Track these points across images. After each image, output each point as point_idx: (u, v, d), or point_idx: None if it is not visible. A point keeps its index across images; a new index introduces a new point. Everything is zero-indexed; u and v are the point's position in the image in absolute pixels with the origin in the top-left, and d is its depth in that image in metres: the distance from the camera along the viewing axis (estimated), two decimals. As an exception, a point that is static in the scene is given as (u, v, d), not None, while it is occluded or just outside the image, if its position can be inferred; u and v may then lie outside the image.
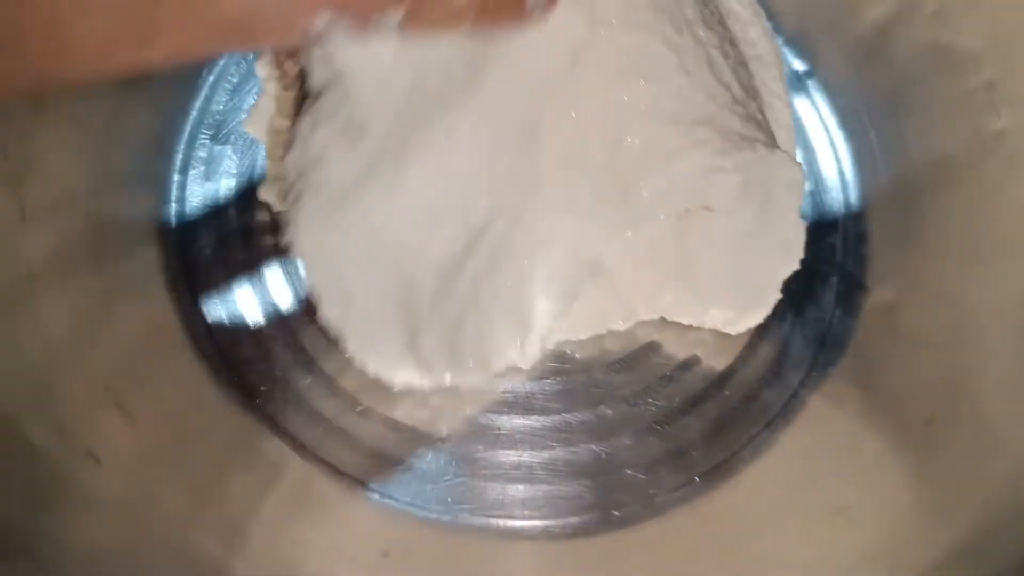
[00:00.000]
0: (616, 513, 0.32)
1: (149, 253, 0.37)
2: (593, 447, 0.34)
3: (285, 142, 0.34)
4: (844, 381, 0.35)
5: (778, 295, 0.35)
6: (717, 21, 0.36)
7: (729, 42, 0.36)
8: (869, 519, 0.30)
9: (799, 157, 0.38)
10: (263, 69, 0.37)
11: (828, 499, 0.31)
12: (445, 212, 0.32)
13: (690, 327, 0.36)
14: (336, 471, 0.33)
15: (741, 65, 0.36)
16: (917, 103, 0.37)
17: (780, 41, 0.41)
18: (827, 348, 0.36)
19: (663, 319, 0.36)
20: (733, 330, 0.35)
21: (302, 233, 0.31)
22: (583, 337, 0.35)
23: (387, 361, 0.33)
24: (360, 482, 0.33)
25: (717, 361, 0.35)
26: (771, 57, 0.39)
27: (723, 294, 0.34)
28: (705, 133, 0.32)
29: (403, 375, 0.34)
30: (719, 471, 0.33)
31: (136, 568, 0.28)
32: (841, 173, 0.40)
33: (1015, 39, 0.34)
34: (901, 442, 0.32)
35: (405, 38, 0.28)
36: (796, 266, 0.34)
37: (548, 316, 0.33)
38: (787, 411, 0.34)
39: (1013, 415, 0.29)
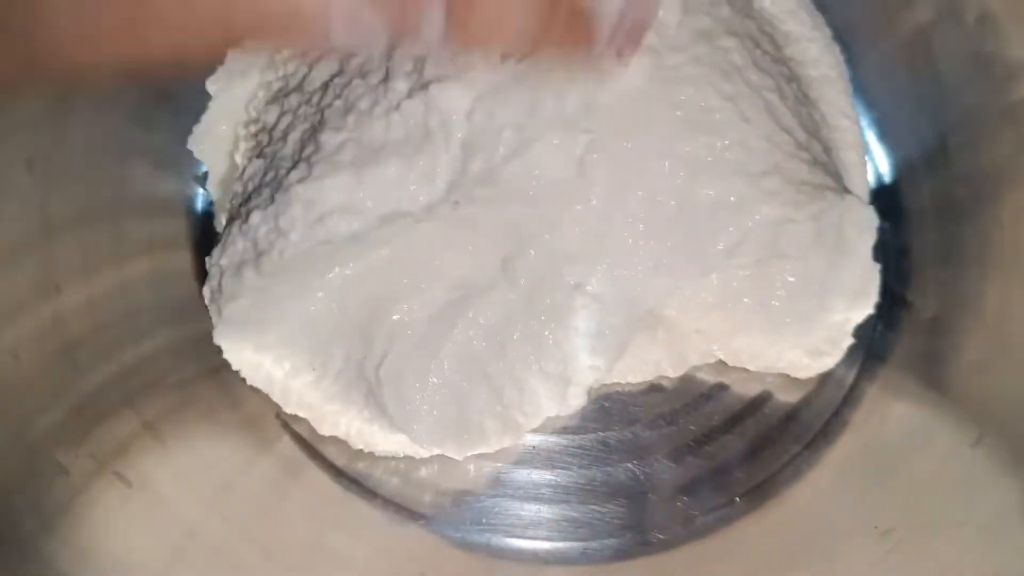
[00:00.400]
0: (657, 535, 0.32)
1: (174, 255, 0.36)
2: (630, 466, 0.34)
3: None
4: (887, 398, 0.34)
5: (850, 339, 0.34)
6: (771, 57, 0.36)
7: (786, 79, 0.36)
8: (915, 542, 0.29)
9: (866, 173, 0.38)
10: (213, 84, 0.37)
11: (874, 520, 0.31)
12: (443, 276, 0.32)
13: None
14: (372, 493, 0.33)
15: (802, 100, 0.36)
16: (960, 114, 0.36)
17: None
18: (869, 364, 0.35)
19: (722, 363, 0.35)
20: (804, 375, 0.34)
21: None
22: (632, 381, 0.35)
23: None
24: (396, 504, 0.33)
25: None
26: (835, 72, 0.38)
27: (796, 339, 0.34)
28: (774, 183, 0.32)
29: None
30: (760, 491, 0.33)
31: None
32: (881, 184, 0.39)
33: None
34: (947, 462, 0.31)
35: (450, 51, 0.27)
36: (870, 310, 0.34)
37: (595, 372, 0.33)
38: (828, 429, 0.34)
39: None
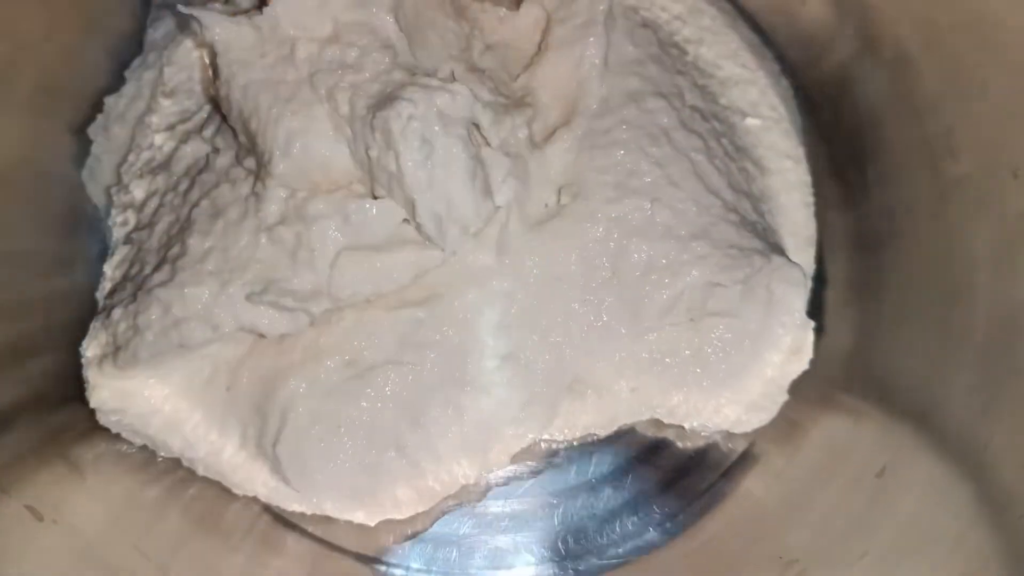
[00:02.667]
0: (573, 567, 0.33)
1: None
2: (550, 500, 0.35)
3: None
4: (799, 430, 0.36)
5: (786, 395, 0.35)
6: (700, 114, 0.37)
7: (716, 135, 0.37)
8: (817, 573, 0.31)
9: (811, 213, 0.39)
10: (95, 133, 0.37)
11: (780, 551, 0.32)
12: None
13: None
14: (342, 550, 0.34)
15: (732, 155, 0.37)
16: (878, 149, 0.37)
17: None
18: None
19: (659, 421, 0.36)
20: (740, 429, 0.35)
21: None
22: (558, 439, 0.36)
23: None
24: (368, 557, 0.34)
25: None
26: (776, 113, 0.39)
27: (733, 394, 0.35)
28: (703, 247, 0.33)
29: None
30: (675, 522, 0.34)
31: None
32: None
33: (973, 83, 0.34)
34: (853, 494, 0.33)
35: None
36: (805, 366, 0.35)
37: (521, 440, 0.34)
38: (741, 462, 0.35)
39: (973, 464, 0.30)
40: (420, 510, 0.34)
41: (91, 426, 0.34)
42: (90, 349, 0.33)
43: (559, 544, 0.34)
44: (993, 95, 0.32)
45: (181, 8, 0.32)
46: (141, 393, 0.33)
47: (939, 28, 0.33)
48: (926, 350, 0.33)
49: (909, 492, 0.31)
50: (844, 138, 0.39)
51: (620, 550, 0.34)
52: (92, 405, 0.33)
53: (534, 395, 0.33)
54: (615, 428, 0.35)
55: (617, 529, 0.34)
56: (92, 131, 0.37)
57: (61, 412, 0.33)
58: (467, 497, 0.34)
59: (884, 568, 0.30)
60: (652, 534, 0.34)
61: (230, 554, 0.33)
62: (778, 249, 0.36)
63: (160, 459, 0.34)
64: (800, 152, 0.39)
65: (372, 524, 0.33)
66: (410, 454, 0.33)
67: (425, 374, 0.33)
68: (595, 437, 0.35)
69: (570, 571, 0.34)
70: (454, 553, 0.34)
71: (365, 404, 0.32)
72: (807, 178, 0.39)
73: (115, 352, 0.32)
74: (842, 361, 0.37)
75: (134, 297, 0.32)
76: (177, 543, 0.33)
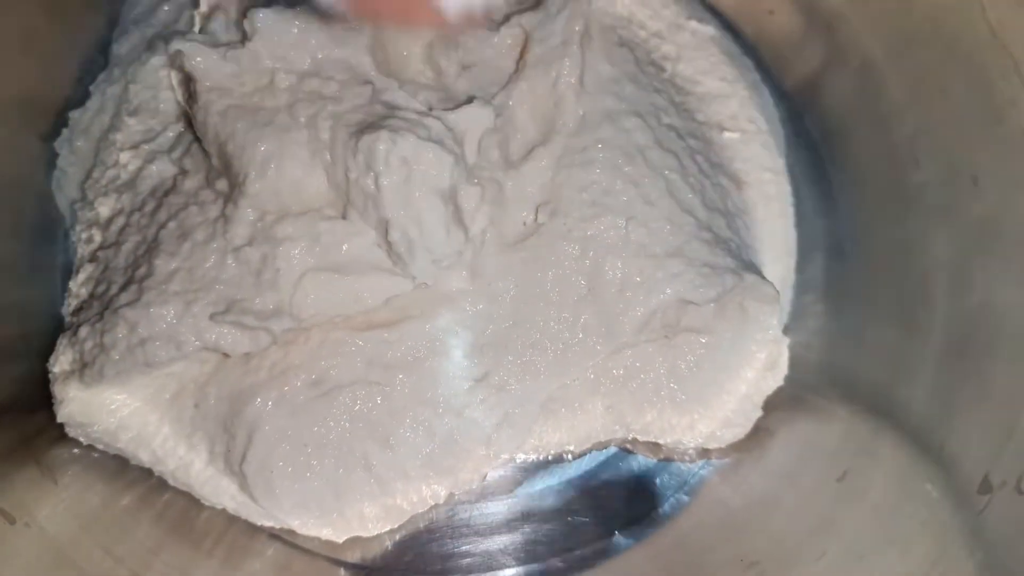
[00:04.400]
0: (541, 570, 0.34)
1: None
2: (518, 503, 0.36)
3: None
4: (764, 434, 0.36)
5: (759, 412, 0.36)
6: (676, 132, 0.37)
7: (691, 153, 0.37)
8: (777, 573, 0.32)
9: (791, 223, 0.39)
10: (60, 146, 0.38)
11: (743, 553, 0.33)
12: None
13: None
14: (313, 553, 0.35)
15: (707, 172, 0.38)
16: (846, 156, 0.38)
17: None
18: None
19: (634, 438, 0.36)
20: (714, 445, 0.36)
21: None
22: (533, 456, 0.36)
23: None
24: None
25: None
26: (754, 126, 0.40)
27: (707, 410, 0.35)
28: (677, 265, 0.34)
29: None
30: (641, 525, 0.35)
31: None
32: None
33: (936, 90, 0.35)
34: (813, 497, 0.33)
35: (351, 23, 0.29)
36: (780, 382, 0.36)
37: (493, 460, 0.34)
38: (709, 464, 0.36)
39: (932, 461, 0.31)
40: (388, 528, 0.34)
41: (63, 432, 0.34)
42: (57, 365, 0.34)
43: (525, 548, 0.35)
44: (953, 103, 0.32)
45: (175, 45, 0.33)
46: (108, 408, 0.34)
47: (902, 39, 0.34)
48: (889, 352, 0.34)
49: (869, 492, 0.32)
50: (815, 145, 0.40)
51: (586, 552, 0.35)
52: (59, 419, 0.34)
53: (507, 416, 0.34)
54: (589, 445, 0.36)
55: (583, 533, 0.35)
56: (58, 144, 0.38)
57: (34, 417, 0.34)
58: (438, 517, 0.35)
59: (841, 567, 0.31)
60: (618, 538, 0.35)
61: (203, 559, 0.34)
62: (752, 267, 0.36)
63: (132, 466, 0.35)
64: (780, 164, 0.40)
65: (339, 541, 0.34)
66: (378, 473, 0.33)
67: (395, 395, 0.33)
68: (570, 454, 0.36)
69: (535, 574, 0.35)
70: (423, 555, 0.35)
71: (332, 423, 0.33)
72: (787, 188, 0.40)
73: (82, 369, 0.33)
74: (810, 363, 0.37)
75: (100, 316, 0.33)
76: (150, 549, 0.33)
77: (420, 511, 0.35)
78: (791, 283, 0.38)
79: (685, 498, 0.36)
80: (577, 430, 0.35)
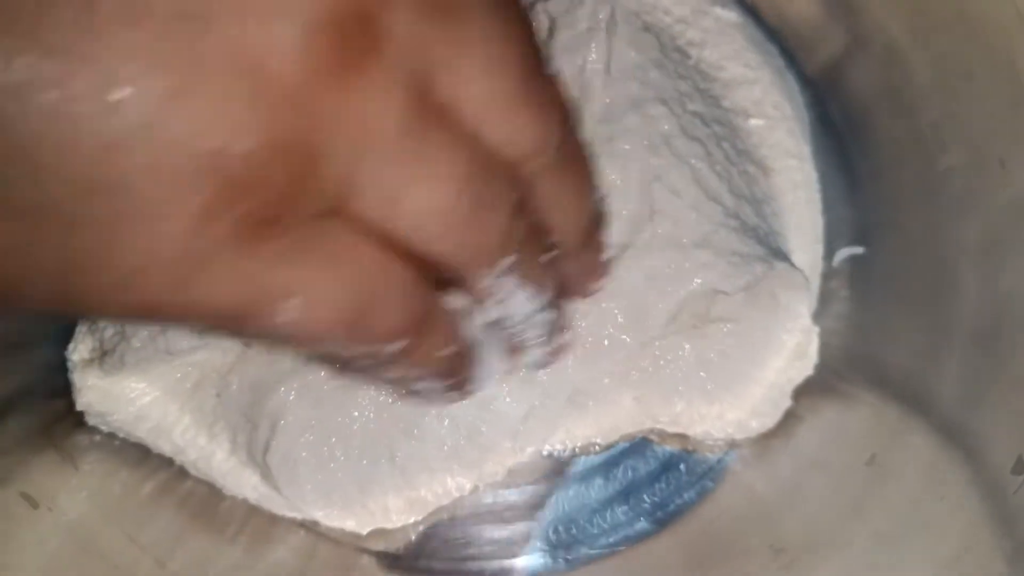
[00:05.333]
0: (565, 556, 0.34)
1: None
2: (537, 487, 0.36)
3: None
4: (792, 419, 0.36)
5: (789, 401, 0.35)
6: (701, 119, 0.37)
7: (717, 139, 0.37)
8: (805, 560, 0.32)
9: (818, 210, 0.39)
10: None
11: (771, 539, 0.33)
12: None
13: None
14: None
15: (733, 160, 0.37)
16: (869, 144, 0.38)
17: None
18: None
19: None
20: (743, 435, 0.36)
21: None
22: (559, 448, 0.36)
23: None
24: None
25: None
26: (779, 112, 0.39)
27: (736, 400, 0.35)
28: (706, 256, 0.33)
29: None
30: (666, 512, 0.35)
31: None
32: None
33: (960, 74, 0.35)
34: (843, 481, 0.33)
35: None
36: (810, 371, 0.35)
37: (518, 453, 0.34)
38: (735, 449, 0.36)
39: (962, 448, 0.31)
40: (412, 520, 0.34)
41: (83, 419, 0.34)
42: (76, 353, 0.34)
43: (550, 533, 0.35)
44: (979, 87, 0.32)
45: None
46: (128, 397, 0.34)
47: (927, 23, 0.34)
48: (917, 337, 0.34)
49: (899, 478, 0.32)
50: (839, 132, 0.40)
51: (611, 539, 0.35)
52: (79, 408, 0.34)
53: (533, 409, 0.33)
54: (616, 437, 0.35)
55: (608, 518, 0.35)
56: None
57: (54, 403, 0.34)
58: (461, 508, 0.35)
59: (872, 552, 0.31)
60: (643, 524, 0.35)
61: (227, 546, 0.34)
62: (781, 254, 0.36)
63: (154, 454, 0.35)
64: (805, 150, 0.39)
65: (363, 533, 0.34)
66: (402, 464, 0.33)
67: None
68: (597, 446, 0.35)
69: (560, 561, 0.34)
70: (448, 542, 0.35)
71: (356, 413, 0.33)
72: (813, 174, 0.39)
73: (102, 357, 0.33)
74: (836, 349, 0.37)
75: None
76: (173, 536, 0.34)
77: (444, 503, 0.34)
78: (819, 270, 0.38)
79: (711, 484, 0.35)
80: (604, 423, 0.35)
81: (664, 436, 0.36)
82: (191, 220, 0.16)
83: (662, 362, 0.34)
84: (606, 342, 0.34)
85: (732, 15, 0.40)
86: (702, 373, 0.35)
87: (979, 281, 0.32)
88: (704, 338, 0.35)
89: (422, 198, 0.20)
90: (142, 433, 0.34)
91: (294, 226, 0.18)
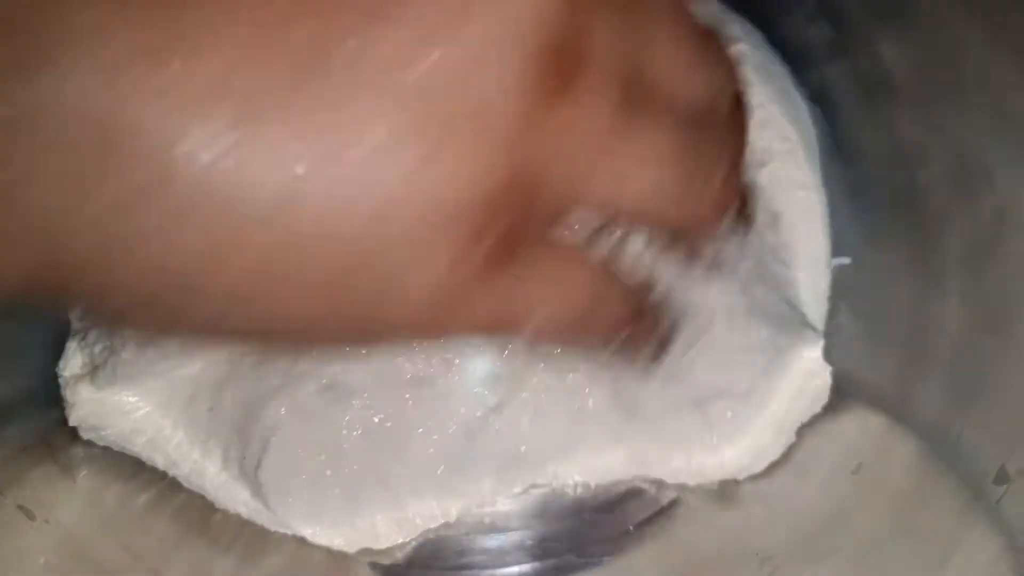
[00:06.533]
0: (555, 564, 0.35)
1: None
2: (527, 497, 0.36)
3: None
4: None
5: (793, 438, 0.35)
6: None
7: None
8: (791, 568, 0.32)
9: (825, 236, 0.38)
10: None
11: (757, 548, 0.33)
12: None
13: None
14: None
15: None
16: (852, 157, 0.38)
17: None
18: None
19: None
20: (743, 475, 0.35)
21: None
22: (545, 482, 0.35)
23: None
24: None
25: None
26: (788, 144, 0.38)
27: (740, 447, 0.34)
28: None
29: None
30: (654, 520, 0.35)
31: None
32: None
33: (944, 88, 0.36)
34: (828, 489, 0.34)
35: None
36: (818, 410, 0.35)
37: (504, 491, 0.34)
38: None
39: (946, 455, 0.31)
40: (399, 541, 0.35)
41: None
42: (67, 369, 0.35)
43: (540, 544, 0.35)
44: (961, 98, 0.33)
45: None
46: (121, 411, 0.34)
47: (910, 37, 0.35)
48: (903, 347, 0.34)
49: (884, 486, 0.32)
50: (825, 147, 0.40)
51: (601, 549, 0.35)
52: (72, 423, 0.34)
53: (519, 453, 0.33)
54: (606, 483, 0.35)
55: (597, 528, 0.35)
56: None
57: (50, 413, 0.35)
58: (448, 531, 0.35)
59: (859, 559, 0.31)
60: (632, 533, 0.35)
61: (221, 556, 0.35)
62: (790, 317, 0.35)
63: (148, 466, 0.35)
64: (814, 178, 0.38)
65: (351, 552, 0.34)
66: (392, 486, 0.33)
67: (408, 409, 0.33)
68: (583, 487, 0.35)
69: (552, 570, 0.35)
70: (439, 552, 0.35)
71: (345, 432, 0.33)
72: (822, 199, 0.38)
73: (92, 372, 0.34)
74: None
75: None
76: (168, 546, 0.34)
77: (431, 526, 0.35)
78: (826, 295, 0.37)
79: (699, 493, 0.36)
80: (594, 471, 0.34)
81: (661, 485, 0.35)
82: (444, 269, 0.18)
83: (658, 422, 0.33)
84: (590, 416, 0.33)
85: (739, 47, 0.39)
86: (703, 424, 0.34)
87: (962, 291, 0.33)
88: (710, 386, 0.33)
89: (644, 178, 0.21)
90: (136, 447, 0.34)
91: (526, 246, 0.19)
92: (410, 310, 0.18)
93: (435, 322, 0.19)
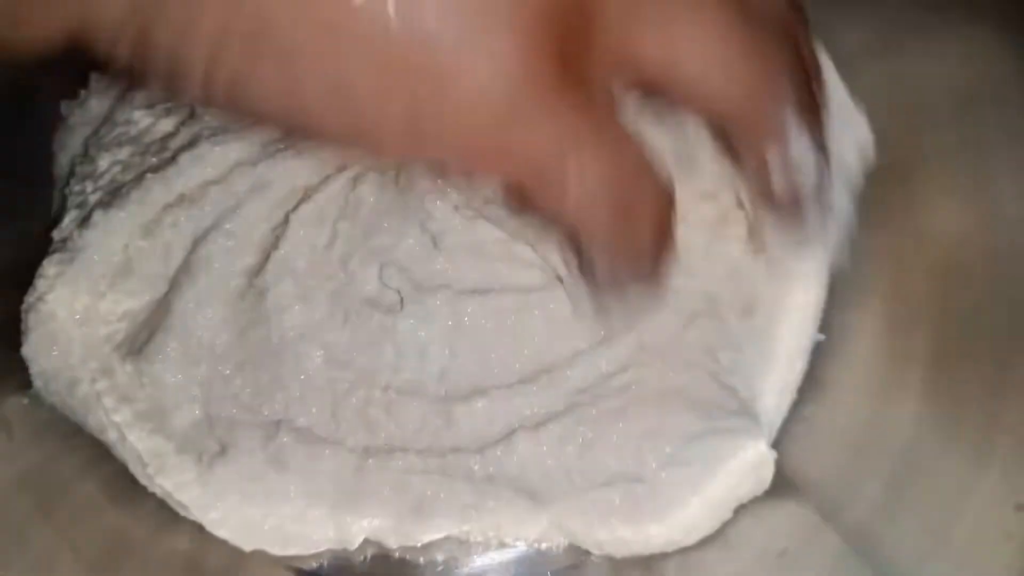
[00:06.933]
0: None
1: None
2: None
3: None
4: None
5: (730, 515, 0.34)
6: None
7: None
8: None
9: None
10: (68, 109, 0.38)
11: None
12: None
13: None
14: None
15: None
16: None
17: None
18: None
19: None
20: (672, 548, 0.33)
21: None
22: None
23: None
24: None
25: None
26: None
27: (670, 523, 0.33)
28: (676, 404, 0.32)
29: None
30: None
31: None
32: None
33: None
34: (752, 570, 0.34)
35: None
36: (759, 493, 0.34)
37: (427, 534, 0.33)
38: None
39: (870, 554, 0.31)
40: (297, 553, 0.34)
41: (25, 382, 0.35)
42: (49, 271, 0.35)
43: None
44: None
45: None
46: (69, 346, 0.34)
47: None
48: (842, 455, 0.35)
49: (805, 572, 0.32)
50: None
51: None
52: (23, 352, 0.34)
53: (418, 504, 0.32)
54: (523, 545, 0.34)
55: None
56: (65, 107, 0.39)
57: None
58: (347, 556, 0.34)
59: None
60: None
61: (135, 526, 0.34)
62: (741, 413, 0.34)
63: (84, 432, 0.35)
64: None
65: (247, 550, 0.34)
66: (296, 502, 0.33)
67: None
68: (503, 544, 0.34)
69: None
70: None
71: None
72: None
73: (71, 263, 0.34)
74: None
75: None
76: (86, 513, 0.33)
77: (320, 549, 0.34)
78: (795, 386, 0.37)
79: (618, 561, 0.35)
80: (510, 532, 0.33)
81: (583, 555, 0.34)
82: (508, 66, 0.19)
83: (583, 490, 0.32)
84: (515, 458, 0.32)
85: None
86: (632, 503, 0.32)
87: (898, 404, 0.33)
88: (639, 467, 0.32)
89: (702, 47, 0.21)
90: (75, 402, 0.34)
91: (585, 83, 0.20)
92: (473, 109, 0.19)
93: (494, 132, 0.20)
